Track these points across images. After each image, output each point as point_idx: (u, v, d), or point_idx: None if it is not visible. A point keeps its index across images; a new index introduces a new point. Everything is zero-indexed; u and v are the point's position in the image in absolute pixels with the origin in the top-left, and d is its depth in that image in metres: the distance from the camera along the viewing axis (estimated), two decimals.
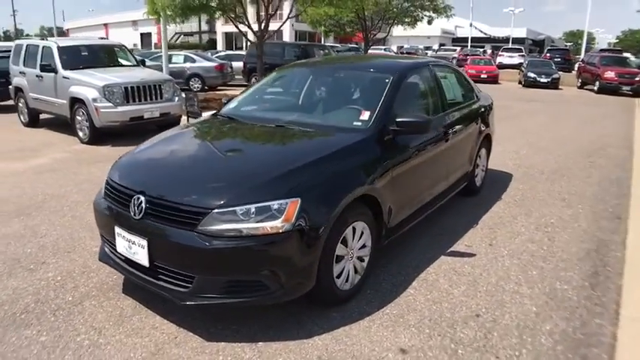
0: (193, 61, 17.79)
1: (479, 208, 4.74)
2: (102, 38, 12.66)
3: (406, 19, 16.68)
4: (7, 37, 64.24)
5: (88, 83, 7.82)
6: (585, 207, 4.84)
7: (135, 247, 2.65)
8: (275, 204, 2.46)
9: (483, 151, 5.13)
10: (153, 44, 48.66)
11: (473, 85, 5.14)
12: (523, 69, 20.87)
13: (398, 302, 2.96)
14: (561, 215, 4.60)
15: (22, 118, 9.53)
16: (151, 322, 2.75)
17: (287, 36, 42.86)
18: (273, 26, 12.42)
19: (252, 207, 2.45)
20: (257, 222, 2.43)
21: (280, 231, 2.43)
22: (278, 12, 13.55)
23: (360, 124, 3.27)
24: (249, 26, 11.91)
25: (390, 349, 2.51)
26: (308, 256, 2.53)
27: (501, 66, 28.71)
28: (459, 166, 4.44)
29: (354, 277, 2.96)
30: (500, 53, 35.05)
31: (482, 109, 5.04)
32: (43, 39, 9.20)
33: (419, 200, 3.67)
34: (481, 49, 39.82)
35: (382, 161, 3.09)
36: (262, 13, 11.80)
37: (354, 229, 2.85)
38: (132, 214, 2.66)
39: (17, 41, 9.89)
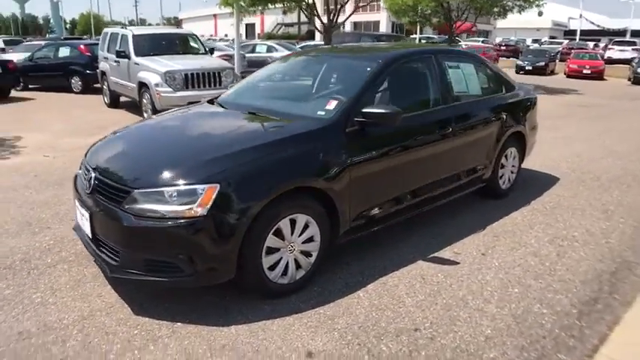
0: (276, 50, 18.40)
1: (495, 212, 4.24)
2: (178, 27, 13.53)
3: (494, 9, 15.31)
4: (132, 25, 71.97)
5: (153, 69, 8.46)
6: (628, 222, 4.08)
7: (83, 219, 2.82)
8: (193, 188, 2.45)
9: (512, 151, 4.56)
10: (256, 35, 51.11)
11: (503, 78, 4.57)
12: (634, 64, 18.14)
13: (338, 304, 2.78)
14: (591, 229, 3.93)
15: (105, 99, 10.66)
16: (100, 290, 2.92)
17: (383, 26, 42.23)
18: (351, 17, 12.22)
19: (172, 190, 2.47)
20: (174, 205, 2.45)
21: (194, 216, 2.42)
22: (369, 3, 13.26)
23: (323, 113, 3.08)
24: (318, 17, 11.92)
25: (297, 351, 2.37)
26: (224, 244, 2.48)
27: (610, 61, 25.22)
28: (468, 164, 3.99)
29: (294, 271, 2.84)
30: (610, 47, 30.76)
31: (512, 104, 4.47)
32: (123, 27, 10.17)
33: (398, 199, 3.38)
34: (592, 43, 35.39)
35: (339, 154, 2.90)
36: (332, 6, 11.72)
37: (292, 221, 2.72)
38: (85, 188, 2.84)
39: (104, 29, 11.01)
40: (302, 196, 2.75)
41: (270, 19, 52.82)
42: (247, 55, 16.95)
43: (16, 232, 3.77)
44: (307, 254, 2.89)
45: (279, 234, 2.69)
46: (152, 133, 3.26)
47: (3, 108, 10.31)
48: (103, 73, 10.51)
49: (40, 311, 2.70)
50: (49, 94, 12.48)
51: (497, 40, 39.98)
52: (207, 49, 10.35)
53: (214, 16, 61.79)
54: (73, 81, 12.65)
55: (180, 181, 2.49)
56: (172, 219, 2.44)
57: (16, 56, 14.67)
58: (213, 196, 2.44)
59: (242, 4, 11.02)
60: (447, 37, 30.71)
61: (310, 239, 2.87)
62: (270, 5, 13.17)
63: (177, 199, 2.45)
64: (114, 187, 2.61)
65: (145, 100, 8.71)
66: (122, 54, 9.17)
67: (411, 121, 3.39)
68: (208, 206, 2.43)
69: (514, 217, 4.16)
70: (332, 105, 3.11)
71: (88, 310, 2.71)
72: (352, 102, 3.08)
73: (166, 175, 2.56)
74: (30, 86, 13.28)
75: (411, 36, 38.50)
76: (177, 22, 72.42)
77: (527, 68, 21.64)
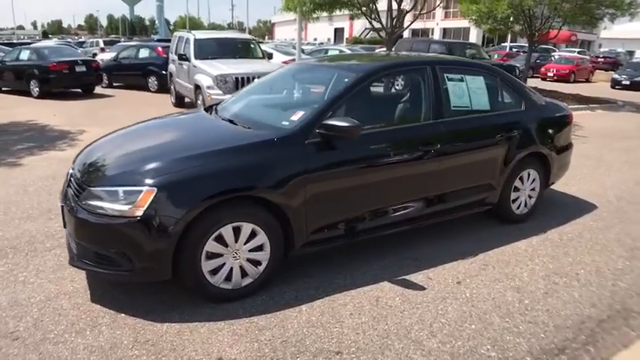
0: None
1: (498, 238, 3.88)
2: (270, 31, 14.02)
3: (581, 18, 13.88)
4: (212, 28, 76.86)
5: (207, 72, 8.96)
6: None
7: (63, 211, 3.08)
8: (133, 190, 2.60)
9: (530, 173, 4.14)
10: (344, 39, 51.77)
11: (523, 94, 4.16)
12: None
13: (276, 315, 2.75)
14: (603, 268, 3.44)
15: (172, 99, 11.49)
16: (76, 276, 3.16)
17: (474, 34, 40.56)
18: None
19: (117, 190, 2.63)
20: (117, 204, 2.60)
21: (132, 215, 2.56)
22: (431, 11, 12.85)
23: (287, 123, 3.07)
24: (379, 21, 11.76)
25: (210, 355, 2.39)
26: (157, 245, 2.58)
27: None
28: (464, 185, 3.71)
29: (239, 278, 2.85)
30: None
31: (530, 122, 4.07)
32: (189, 32, 10.88)
33: (368, 217, 3.25)
34: None
35: (295, 165, 2.87)
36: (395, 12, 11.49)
37: (236, 229, 2.74)
38: (64, 183, 3.11)
39: (175, 33, 11.84)
40: (247, 205, 2.76)
41: (360, 24, 53.26)
42: None
43: (35, 217, 4.22)
44: (256, 263, 2.89)
45: (221, 240, 2.73)
46: (130, 137, 3.45)
47: (83, 103, 11.54)
48: (171, 75, 11.35)
49: (18, 289, 3.01)
50: (128, 92, 13.74)
51: (601, 50, 36.39)
52: (264, 54, 10.73)
53: (316, 19, 63.50)
54: (149, 80, 13.80)
55: (125, 183, 2.65)
56: (115, 217, 2.60)
57: (110, 55, 16.40)
58: (150, 199, 2.55)
59: (305, 8, 11.25)
60: (545, 46, 28.74)
61: (259, 248, 2.87)
62: (338, 11, 13.26)
63: (121, 199, 2.61)
64: (78, 184, 2.84)
65: (199, 102, 9.25)
66: (183, 57, 9.83)
67: (386, 136, 3.24)
68: (144, 208, 2.55)
69: (517, 247, 3.78)
70: (297, 116, 3.09)
71: (56, 292, 2.97)
72: (316, 113, 3.03)
73: (117, 176, 2.74)
74: (114, 84, 14.73)
75: (502, 44, 36.47)
76: (271, 26, 75.65)
77: (624, 83, 19.37)
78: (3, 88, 12.79)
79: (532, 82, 17.47)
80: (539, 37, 15.82)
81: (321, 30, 56.89)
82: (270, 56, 11.02)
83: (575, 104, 12.46)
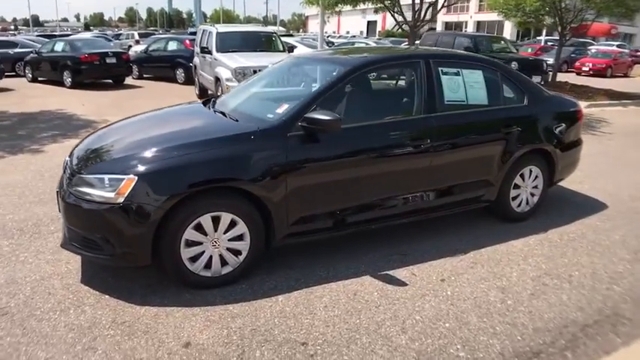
0: None
1: (494, 236, 3.79)
2: (304, 24, 13.96)
3: (617, 9, 13.10)
4: (266, 22, 77.60)
5: (226, 65, 9.10)
6: None
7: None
8: (116, 178, 2.70)
9: (532, 170, 4.00)
10: (377, 32, 51.34)
11: (528, 88, 4.01)
12: None
13: (252, 304, 2.80)
14: (600, 270, 3.29)
15: (196, 91, 11.72)
16: (71, 258, 3.30)
17: (508, 28, 39.24)
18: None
19: (102, 177, 2.74)
20: (102, 191, 2.71)
21: (114, 202, 2.66)
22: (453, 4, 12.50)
23: (272, 116, 3.09)
24: (402, 15, 11.53)
25: (180, 340, 2.47)
26: (137, 231, 2.68)
27: None
28: (456, 181, 3.63)
29: (219, 267, 2.92)
30: None
31: (533, 117, 3.93)
32: (212, 25, 11.04)
33: (352, 210, 3.24)
34: None
35: (276, 157, 2.90)
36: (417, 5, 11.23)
37: (215, 218, 2.80)
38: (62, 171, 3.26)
39: (200, 26, 12.05)
40: (226, 195, 2.82)
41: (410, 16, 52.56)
42: None
43: (46, 201, 4.43)
44: (236, 252, 2.95)
45: (200, 229, 2.80)
46: (125, 128, 3.54)
47: (112, 93, 11.95)
48: (195, 67, 11.58)
49: (17, 268, 3.19)
50: (156, 83, 14.11)
51: None
52: (285, 47, 10.77)
53: (338, 13, 63.35)
54: (177, 72, 14.11)
55: (111, 171, 2.75)
56: (100, 203, 2.71)
57: (143, 47, 16.88)
58: (131, 187, 2.65)
59: (326, 2, 11.18)
60: (583, 40, 27.44)
61: (239, 238, 2.92)
62: (362, 4, 13.09)
63: (106, 187, 2.71)
64: (71, 171, 2.97)
65: (219, 94, 9.40)
66: (206, 50, 10.01)
67: (372, 130, 3.21)
68: (125, 195, 2.65)
69: (512, 245, 3.67)
70: (282, 108, 3.10)
71: (50, 272, 3.13)
72: (300, 106, 3.04)
73: (105, 164, 2.86)
74: (144, 76, 15.15)
75: (537, 38, 35.05)
76: (305, 19, 75.76)
77: None
78: (39, 78, 13.42)
79: (565, 77, 16.76)
80: (573, 31, 15.14)
81: (353, 23, 56.41)
82: (291, 49, 11.05)
83: (605, 100, 11.87)
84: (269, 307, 2.79)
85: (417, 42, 13.20)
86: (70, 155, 3.28)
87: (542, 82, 11.98)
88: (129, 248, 2.73)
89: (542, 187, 4.16)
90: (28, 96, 11.07)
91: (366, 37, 41.10)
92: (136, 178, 2.66)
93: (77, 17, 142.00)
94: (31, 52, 13.61)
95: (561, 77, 15.97)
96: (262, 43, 10.64)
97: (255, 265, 3.12)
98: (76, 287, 2.96)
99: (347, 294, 2.94)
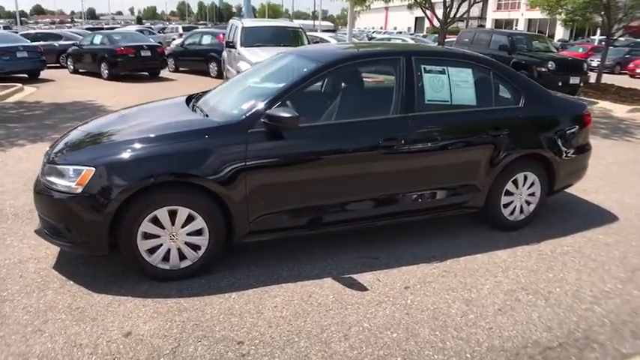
0: None
1: (479, 244, 3.60)
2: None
3: None
4: (296, 17, 77.92)
5: (247, 59, 9.17)
6: None
7: None
8: (77, 169, 2.78)
9: (526, 176, 3.75)
10: (425, 28, 50.34)
11: (525, 88, 3.74)
12: None
13: (203, 299, 2.80)
14: (585, 288, 3.03)
15: None
16: (51, 244, 3.41)
17: (560, 28, 37.19)
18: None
19: (66, 168, 2.83)
20: (65, 180, 2.80)
21: (73, 192, 2.75)
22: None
23: (237, 112, 3.07)
24: (432, 10, 11.14)
25: (123, 329, 2.52)
26: (93, 221, 2.74)
27: None
28: (439, 185, 3.46)
29: (177, 260, 2.94)
30: None
31: (528, 120, 3.68)
32: (239, 20, 11.17)
33: (318, 210, 3.17)
34: None
35: (235, 153, 2.88)
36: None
37: (172, 212, 2.82)
38: None
39: (230, 21, 12.22)
40: (181, 189, 2.82)
41: (441, 13, 51.43)
42: None
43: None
44: (195, 247, 2.96)
45: (156, 222, 2.83)
46: (104, 121, 3.60)
47: (145, 86, 12.36)
48: (223, 61, 11.77)
49: (1, 250, 3.35)
50: (190, 77, 14.48)
51: None
52: (309, 42, 10.72)
53: (385, 9, 62.62)
54: (210, 66, 14.41)
55: (76, 162, 2.83)
56: (62, 192, 2.80)
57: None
58: (89, 178, 2.72)
59: None
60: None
61: (197, 233, 2.93)
62: (392, 1, 12.77)
63: (70, 177, 2.80)
64: (45, 161, 3.07)
65: None
66: (230, 44, 10.14)
67: (341, 129, 3.11)
68: (83, 186, 2.72)
69: (496, 255, 3.47)
70: (247, 105, 3.06)
71: (29, 257, 3.27)
72: (264, 103, 2.98)
73: (72, 155, 2.94)
74: (180, 69, 15.59)
75: (591, 37, 32.97)
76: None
77: None
78: (80, 70, 14.11)
79: (616, 79, 15.66)
80: (627, 30, 14.11)
81: (401, 19, 55.44)
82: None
83: None
84: (219, 303, 2.78)
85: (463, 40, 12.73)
86: (51, 146, 3.40)
87: (582, 84, 11.25)
88: (87, 237, 2.80)
89: (539, 195, 3.89)
90: (65, 87, 11.67)
91: (412, 34, 40.22)
92: (94, 169, 2.73)
93: (131, 10, 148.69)
94: (73, 44, 14.33)
95: (612, 79, 14.96)
96: (287, 37, 10.64)
97: (220, 260, 3.14)
98: (47, 272, 3.08)
99: (302, 295, 2.88)
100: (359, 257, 3.37)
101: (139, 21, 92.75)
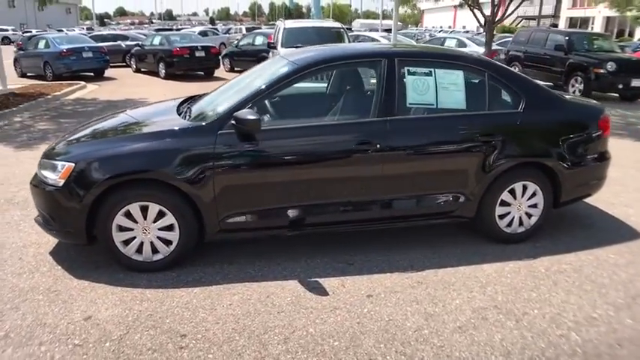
0: (464, 45, 17.20)
1: (466, 256, 3.41)
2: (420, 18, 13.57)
3: None
4: (366, 16, 77.43)
5: None
6: None
7: None
8: (61, 164, 3.02)
9: (527, 186, 3.49)
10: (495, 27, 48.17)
11: (523, 90, 3.47)
12: None
13: (168, 292, 2.93)
14: (568, 313, 2.76)
15: None
16: None
17: None
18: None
19: (53, 162, 3.08)
20: (53, 174, 3.05)
21: (56, 185, 3.00)
22: None
23: (211, 113, 3.16)
24: (479, 9, 10.57)
25: (85, 313, 2.71)
26: (71, 213, 2.98)
27: None
28: (420, 192, 3.33)
29: (150, 253, 3.10)
30: None
31: (529, 126, 3.41)
32: (282, 21, 11.35)
33: (289, 213, 3.18)
34: None
35: (205, 153, 2.98)
36: None
37: (144, 207, 2.98)
38: None
39: (277, 22, 12.47)
40: (151, 186, 2.97)
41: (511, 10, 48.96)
42: None
43: None
44: (167, 242, 3.10)
45: (130, 216, 3.00)
46: (105, 119, 3.84)
47: (198, 85, 12.96)
48: None
49: (13, 234, 3.73)
50: None
51: None
52: (350, 41, 10.67)
53: (454, 7, 60.58)
54: None
55: (63, 158, 3.08)
56: (49, 185, 3.06)
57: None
58: (69, 173, 2.96)
59: None
60: None
61: (169, 228, 3.06)
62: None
63: (58, 171, 3.05)
64: (43, 155, 3.36)
65: None
66: (272, 45, 10.36)
67: (312, 131, 3.10)
68: (64, 179, 2.96)
69: (481, 269, 3.26)
70: (222, 106, 3.14)
71: (33, 241, 3.60)
72: (234, 105, 3.06)
73: (62, 151, 3.19)
74: (235, 69, 16.17)
75: None
76: (420, 13, 73.95)
77: None
78: (142, 69, 15.14)
79: None
80: None
81: (471, 17, 53.38)
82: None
83: None
84: (180, 296, 2.89)
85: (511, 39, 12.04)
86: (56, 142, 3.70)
87: None
88: (68, 227, 3.05)
89: (542, 207, 3.60)
90: (124, 85, 12.60)
91: (479, 33, 38.34)
92: (74, 165, 2.96)
93: (206, 12, 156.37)
94: (136, 44, 15.39)
95: None
96: (329, 37, 10.64)
97: (197, 256, 3.27)
98: (43, 256, 3.37)
99: (261, 295, 2.91)
100: (333, 261, 3.34)
101: (212, 22, 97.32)
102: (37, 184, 3.14)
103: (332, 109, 3.31)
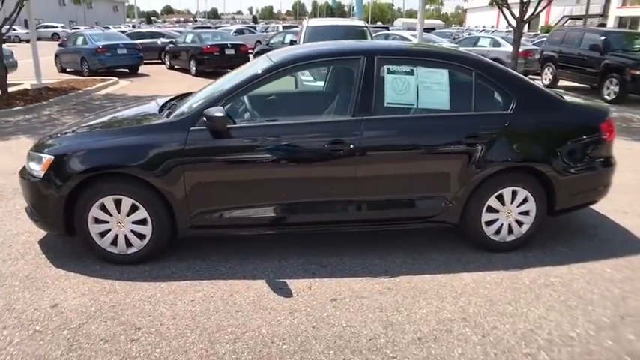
0: (498, 45, 16.55)
1: (448, 264, 3.27)
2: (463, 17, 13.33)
3: None
4: (409, 15, 76.25)
5: None
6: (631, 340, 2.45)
7: None
8: (42, 157, 3.13)
9: (516, 192, 3.30)
10: (539, 26, 46.39)
11: (515, 91, 3.26)
12: None
13: (134, 285, 2.98)
14: (543, 330, 2.57)
15: None
16: None
17: None
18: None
19: (37, 155, 3.20)
20: (37, 166, 3.17)
21: (37, 177, 3.13)
22: None
23: (186, 109, 3.19)
24: (508, 8, 10.07)
25: (53, 300, 2.81)
26: (49, 203, 3.09)
27: None
28: (398, 195, 3.21)
29: (124, 246, 3.17)
30: None
31: (518, 128, 3.21)
32: (307, 19, 11.32)
33: (260, 211, 3.15)
34: None
35: (176, 150, 3.00)
36: None
37: (118, 201, 3.05)
38: None
39: (302, 22, 12.46)
40: (123, 181, 3.04)
41: (557, 10, 46.77)
42: (463, 49, 15.86)
43: None
44: (140, 235, 3.15)
45: (104, 209, 3.08)
46: (99, 115, 3.93)
47: None
48: None
49: (11, 222, 3.90)
50: None
51: None
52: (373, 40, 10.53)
53: (498, 6, 58.42)
54: None
55: (43, 150, 3.19)
56: (32, 176, 3.19)
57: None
58: (48, 165, 3.07)
59: None
60: None
61: (142, 222, 3.12)
62: None
63: (39, 163, 3.17)
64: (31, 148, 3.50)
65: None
66: (294, 43, 10.37)
67: (284, 130, 3.06)
68: (44, 172, 3.08)
69: (460, 278, 3.11)
70: (197, 104, 3.15)
71: (26, 230, 3.73)
72: (210, 102, 3.07)
73: (44, 143, 3.31)
74: None
75: None
76: (463, 12, 72.16)
77: None
78: (175, 66, 15.57)
79: None
80: None
81: (486, 16, 51.62)
82: None
83: None
84: (145, 290, 2.93)
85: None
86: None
87: None
88: (47, 218, 3.17)
89: (535, 215, 3.39)
90: (155, 81, 13.00)
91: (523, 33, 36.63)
92: (53, 158, 3.06)
93: (250, 10, 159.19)
94: (170, 42, 15.84)
95: None
96: (351, 36, 10.53)
97: (176, 251, 3.32)
98: (31, 244, 3.52)
99: (224, 293, 2.91)
100: (307, 262, 3.29)
101: (254, 20, 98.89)
102: (24, 175, 3.28)
103: (309, 107, 3.26)
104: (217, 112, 2.87)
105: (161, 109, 3.52)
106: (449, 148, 3.18)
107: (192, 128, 3.01)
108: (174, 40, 15.92)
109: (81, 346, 2.42)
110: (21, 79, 11.31)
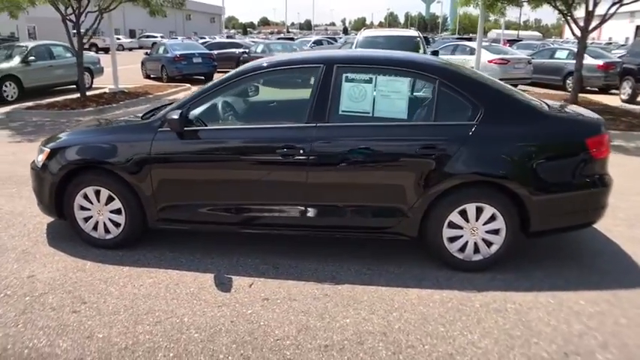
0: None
1: (399, 277, 3.17)
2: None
3: None
4: (506, 27, 72.12)
5: None
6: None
7: None
8: (45, 149, 3.64)
9: (481, 209, 3.10)
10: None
11: (482, 100, 3.07)
12: None
13: (101, 267, 3.33)
14: (463, 357, 2.38)
15: None
16: None
17: None
18: None
19: (43, 148, 3.72)
20: (40, 157, 3.68)
21: (37, 166, 3.61)
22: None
23: (162, 113, 3.46)
24: (571, 16, 9.08)
25: (31, 271, 3.25)
26: (45, 191, 3.57)
27: None
28: (348, 202, 3.20)
29: (103, 232, 3.55)
30: None
31: (483, 140, 3.02)
32: (365, 30, 11.35)
33: (218, 210, 3.34)
34: None
35: (144, 147, 3.32)
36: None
37: (97, 192, 3.45)
38: None
39: (360, 32, 12.52)
40: (101, 173, 3.42)
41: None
42: (538, 60, 14.68)
43: None
44: (116, 224, 3.52)
45: (87, 198, 3.50)
46: (110, 116, 4.45)
47: (287, 90, 13.68)
48: None
49: (24, 204, 4.49)
50: None
51: None
52: (425, 51, 10.23)
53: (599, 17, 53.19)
54: None
55: (47, 144, 3.70)
56: (36, 166, 3.70)
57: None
58: (45, 157, 3.57)
59: (487, 2, 9.81)
60: None
61: (118, 212, 3.48)
62: (526, 4, 10.74)
63: (41, 154, 3.67)
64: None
65: None
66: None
67: (238, 134, 3.24)
68: (42, 162, 3.57)
69: (404, 293, 3.00)
70: (170, 106, 3.43)
71: (28, 213, 4.29)
72: (178, 105, 3.36)
73: (49, 139, 3.83)
74: None
75: None
76: (563, 24, 67.09)
77: None
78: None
79: None
80: None
81: (618, 28, 46.61)
82: (435, 53, 10.40)
83: None
84: (108, 272, 3.26)
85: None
86: None
87: None
88: (44, 203, 3.66)
89: (504, 235, 3.14)
90: None
91: (609, 43, 32.47)
92: (49, 150, 3.55)
93: (343, 22, 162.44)
94: (243, 52, 16.84)
95: None
96: (404, 46, 10.37)
97: (151, 241, 3.64)
98: (41, 225, 4.06)
99: (171, 282, 3.14)
100: (262, 263, 3.40)
101: (345, 31, 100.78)
102: (33, 166, 3.83)
103: (271, 114, 3.38)
104: (174, 114, 3.13)
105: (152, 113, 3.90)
106: (403, 158, 3.09)
107: (160, 129, 3.31)
108: (247, 51, 16.92)
109: (32, 311, 2.79)
110: (106, 84, 12.82)
